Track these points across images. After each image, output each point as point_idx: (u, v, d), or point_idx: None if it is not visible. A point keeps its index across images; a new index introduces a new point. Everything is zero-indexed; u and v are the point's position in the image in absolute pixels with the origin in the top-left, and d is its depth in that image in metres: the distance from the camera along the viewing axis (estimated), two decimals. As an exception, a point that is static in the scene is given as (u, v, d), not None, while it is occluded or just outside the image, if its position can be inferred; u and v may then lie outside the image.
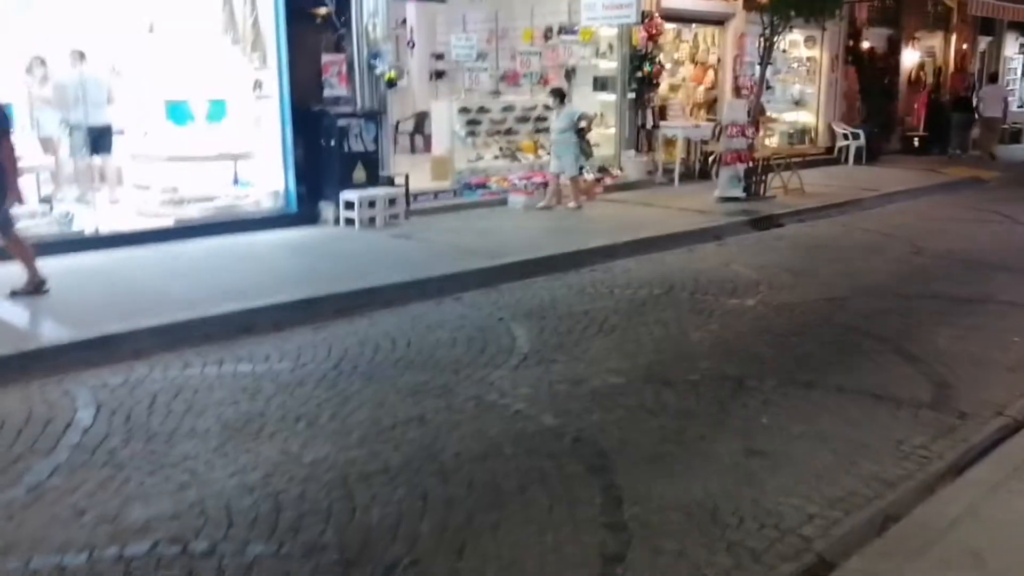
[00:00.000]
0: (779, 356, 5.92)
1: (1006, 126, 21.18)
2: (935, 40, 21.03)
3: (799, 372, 5.56)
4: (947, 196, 14.30)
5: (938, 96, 20.61)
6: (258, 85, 9.97)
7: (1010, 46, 23.86)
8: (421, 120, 15.00)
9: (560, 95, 11.51)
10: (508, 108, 12.52)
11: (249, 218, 9.79)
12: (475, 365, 5.64)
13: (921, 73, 20.57)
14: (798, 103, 17.70)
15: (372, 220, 9.81)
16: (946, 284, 8.00)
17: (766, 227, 10.98)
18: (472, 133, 12.25)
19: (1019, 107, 22.98)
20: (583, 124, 11.17)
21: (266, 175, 10.14)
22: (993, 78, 21.08)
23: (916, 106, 20.17)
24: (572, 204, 11.19)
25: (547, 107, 12.17)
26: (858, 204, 12.80)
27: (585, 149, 11.15)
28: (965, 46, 21.62)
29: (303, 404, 4.96)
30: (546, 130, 12.10)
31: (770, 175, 12.98)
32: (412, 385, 5.27)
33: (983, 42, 22.65)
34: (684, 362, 5.75)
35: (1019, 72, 24.38)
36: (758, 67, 13.54)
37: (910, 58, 20.04)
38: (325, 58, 9.89)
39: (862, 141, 17.47)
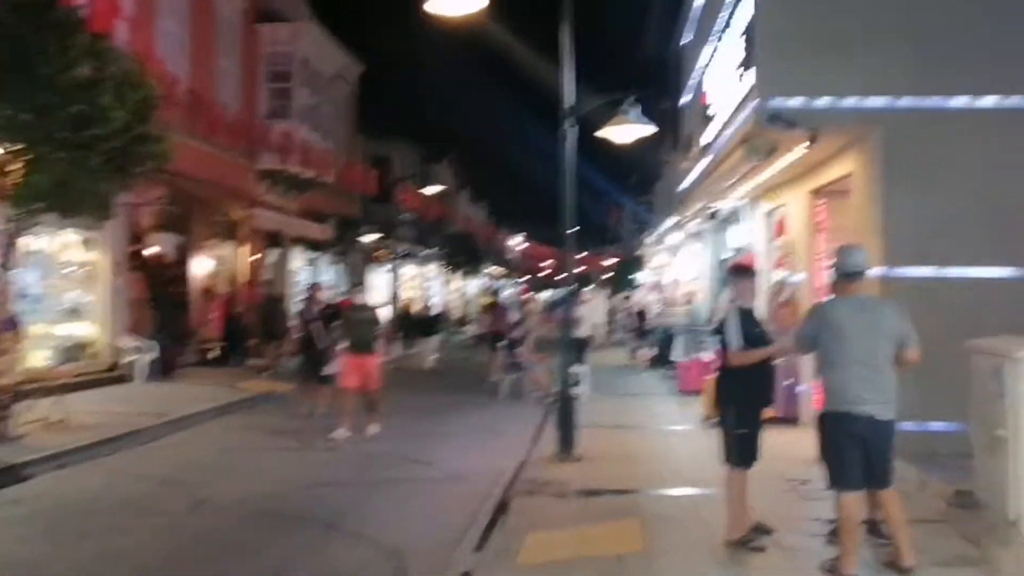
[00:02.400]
0: None
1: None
2: (226, 250, 20.60)
3: None
4: (244, 416, 13.01)
5: (234, 306, 19.94)
6: None
7: (297, 259, 24.81)
8: None
9: None
10: None
11: None
12: None
13: (214, 282, 19.77)
14: (74, 313, 15.07)
15: None
16: (230, 560, 6.10)
17: (3, 484, 8.05)
18: None
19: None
20: None
21: None
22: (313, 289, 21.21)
23: (212, 316, 19.14)
24: None
25: None
26: (138, 436, 10.55)
27: None
28: (256, 257, 21.63)
29: None
30: None
31: (22, 406, 10.07)
32: None
33: (273, 254, 23.04)
34: None
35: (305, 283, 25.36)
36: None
37: (202, 266, 19.11)
38: None
39: (154, 354, 15.48)
